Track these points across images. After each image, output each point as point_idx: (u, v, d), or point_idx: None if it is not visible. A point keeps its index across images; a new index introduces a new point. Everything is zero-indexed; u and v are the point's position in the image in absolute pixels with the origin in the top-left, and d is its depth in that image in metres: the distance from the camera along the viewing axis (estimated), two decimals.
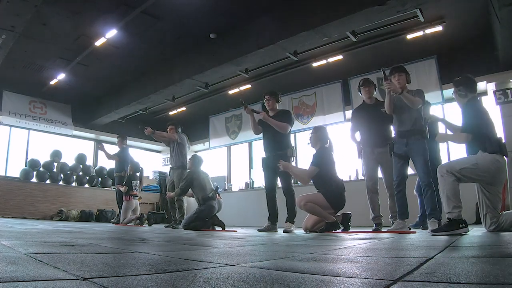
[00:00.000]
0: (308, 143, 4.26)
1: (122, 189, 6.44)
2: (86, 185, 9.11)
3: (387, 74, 3.59)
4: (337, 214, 3.99)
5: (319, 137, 4.11)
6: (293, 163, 4.62)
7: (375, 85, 4.29)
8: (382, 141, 3.93)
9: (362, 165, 4.26)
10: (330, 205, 3.81)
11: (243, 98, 5.26)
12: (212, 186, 5.22)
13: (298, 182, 7.93)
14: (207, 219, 4.97)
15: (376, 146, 4.01)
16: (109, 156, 7.12)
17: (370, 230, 3.98)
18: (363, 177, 6.99)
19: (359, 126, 4.21)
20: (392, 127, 3.90)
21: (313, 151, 4.18)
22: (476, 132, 2.97)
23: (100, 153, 7.37)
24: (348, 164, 7.08)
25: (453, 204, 2.81)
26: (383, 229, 3.92)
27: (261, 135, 4.65)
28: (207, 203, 4.99)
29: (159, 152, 11.66)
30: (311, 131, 4.28)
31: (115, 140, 7.41)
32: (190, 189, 5.23)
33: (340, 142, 6.07)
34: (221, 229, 4.97)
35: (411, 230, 3.63)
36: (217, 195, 5.17)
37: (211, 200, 5.02)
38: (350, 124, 4.40)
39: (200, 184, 5.07)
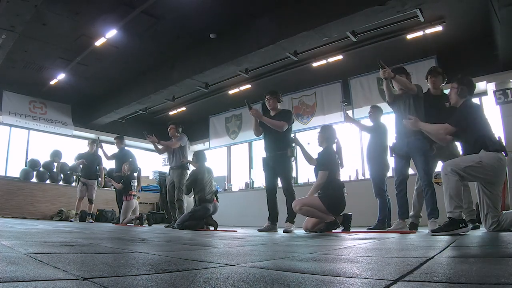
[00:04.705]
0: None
1: (118, 186, 6.47)
2: None
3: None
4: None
5: (325, 137, 4.06)
6: (294, 163, 4.60)
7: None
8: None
9: None
10: (326, 208, 3.75)
11: (248, 100, 5.22)
12: (213, 188, 5.23)
13: (298, 182, 7.96)
14: (200, 220, 5.02)
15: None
16: (108, 157, 7.17)
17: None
18: (363, 177, 7.05)
19: None
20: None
21: (319, 149, 4.15)
22: (468, 130, 2.99)
23: (100, 152, 7.36)
24: (349, 164, 7.05)
25: (455, 204, 2.81)
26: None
27: (261, 135, 4.66)
28: (203, 204, 5.02)
29: None
30: (318, 130, 4.27)
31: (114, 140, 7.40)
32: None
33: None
34: (213, 228, 5.05)
35: (411, 230, 3.63)
36: (215, 198, 5.20)
37: (207, 203, 5.05)
38: None
39: (202, 185, 5.08)
